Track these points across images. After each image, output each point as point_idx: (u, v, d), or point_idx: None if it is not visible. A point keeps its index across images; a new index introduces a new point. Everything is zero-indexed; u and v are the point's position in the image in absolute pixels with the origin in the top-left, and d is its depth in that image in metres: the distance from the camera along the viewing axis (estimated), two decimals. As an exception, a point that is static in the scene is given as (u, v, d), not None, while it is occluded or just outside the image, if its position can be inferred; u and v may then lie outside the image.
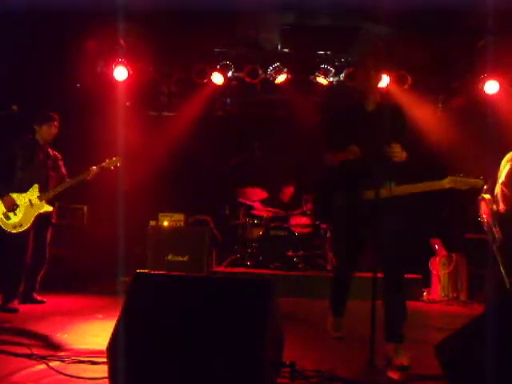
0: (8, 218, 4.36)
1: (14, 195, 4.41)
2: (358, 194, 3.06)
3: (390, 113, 3.10)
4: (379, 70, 3.17)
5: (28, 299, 4.54)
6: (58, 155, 4.88)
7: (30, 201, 4.43)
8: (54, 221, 4.79)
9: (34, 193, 4.47)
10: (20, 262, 4.37)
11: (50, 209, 4.56)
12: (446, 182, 3.02)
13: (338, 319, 3.36)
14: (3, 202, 4.37)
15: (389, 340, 2.90)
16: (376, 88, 3.17)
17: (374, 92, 3.14)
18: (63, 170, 4.87)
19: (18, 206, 4.38)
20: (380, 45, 3.15)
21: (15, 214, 4.37)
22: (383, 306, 2.96)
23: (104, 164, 4.67)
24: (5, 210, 4.35)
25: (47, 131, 4.63)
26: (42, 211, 4.47)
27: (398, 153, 2.98)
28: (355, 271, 3.34)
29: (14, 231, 4.33)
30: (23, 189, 4.45)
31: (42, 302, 4.66)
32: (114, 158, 4.71)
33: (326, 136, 3.42)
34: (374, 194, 2.82)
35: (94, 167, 4.63)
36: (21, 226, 4.35)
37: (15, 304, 4.26)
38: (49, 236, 4.72)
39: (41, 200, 4.48)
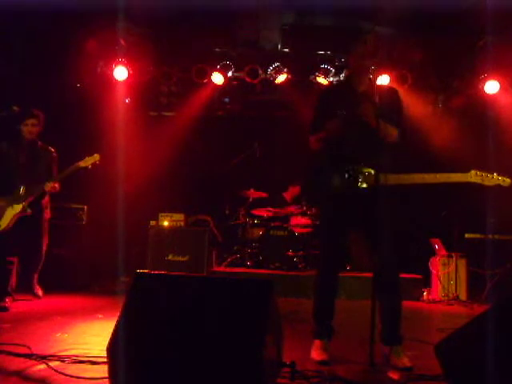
0: None
1: (1, 199, 4.48)
2: (349, 180, 2.87)
3: (384, 95, 2.95)
4: (376, 51, 2.96)
5: (27, 291, 4.75)
6: (51, 150, 4.82)
7: (12, 203, 4.48)
8: (45, 218, 4.80)
9: (17, 194, 4.51)
10: (7, 262, 4.48)
11: (28, 212, 4.52)
12: (470, 176, 2.90)
13: (326, 342, 2.96)
14: None
15: (389, 343, 2.87)
16: (369, 69, 2.97)
17: (367, 72, 2.97)
18: (53, 168, 4.80)
19: (1, 209, 4.45)
20: (377, 36, 3.01)
21: None
22: (379, 308, 2.92)
23: (81, 163, 4.56)
24: None
25: (26, 129, 4.59)
26: (18, 213, 4.48)
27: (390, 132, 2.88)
28: (341, 267, 3.14)
29: None
30: (8, 191, 4.51)
31: (37, 296, 4.80)
32: (94, 155, 4.60)
33: (312, 116, 3.18)
34: (374, 179, 2.71)
35: (49, 182, 4.55)
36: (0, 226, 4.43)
37: (7, 303, 4.33)
38: (43, 233, 4.75)
39: (20, 202, 4.49)
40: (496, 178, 2.92)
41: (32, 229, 4.67)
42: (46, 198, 4.82)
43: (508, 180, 2.93)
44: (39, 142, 4.78)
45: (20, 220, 4.50)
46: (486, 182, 2.92)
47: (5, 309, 4.24)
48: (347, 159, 2.94)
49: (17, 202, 4.49)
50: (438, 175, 2.91)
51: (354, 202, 2.90)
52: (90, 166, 4.58)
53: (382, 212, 2.87)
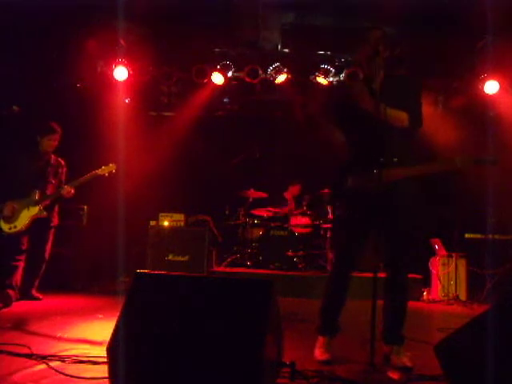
0: (5, 220, 4.55)
1: (14, 201, 4.60)
2: (370, 175, 2.83)
3: (399, 83, 2.96)
4: (385, 48, 2.89)
5: (26, 295, 4.78)
6: (62, 162, 5.04)
7: (27, 205, 4.62)
8: (54, 224, 4.96)
9: (32, 198, 4.65)
10: (15, 260, 4.59)
11: (44, 214, 4.70)
12: (458, 161, 2.79)
13: (329, 339, 3.00)
14: (3, 208, 4.57)
15: (390, 342, 2.88)
16: (381, 68, 2.94)
17: (378, 70, 2.93)
18: (63, 177, 5.02)
19: (16, 211, 4.58)
20: (381, 32, 2.97)
21: (12, 215, 4.56)
22: (385, 306, 2.93)
23: (98, 171, 4.81)
24: (4, 215, 4.56)
25: (48, 143, 4.83)
26: (35, 215, 4.64)
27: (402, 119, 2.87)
28: (355, 267, 3.16)
29: (8, 232, 4.54)
30: (23, 194, 4.64)
31: (38, 298, 4.85)
32: (110, 165, 4.87)
33: (333, 116, 3.13)
34: (379, 178, 2.69)
35: (66, 186, 4.75)
36: (15, 227, 4.56)
37: (11, 293, 4.46)
38: (49, 238, 4.92)
39: (36, 205, 4.66)
40: (483, 157, 2.82)
41: (40, 232, 4.79)
42: (56, 205, 4.96)
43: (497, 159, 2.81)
44: (52, 155, 4.95)
45: (33, 222, 4.63)
46: (479, 162, 2.82)
47: (8, 295, 4.38)
48: (364, 159, 2.92)
49: (33, 205, 4.63)
50: (429, 164, 2.93)
51: (371, 201, 2.86)
52: (106, 175, 4.83)
53: (398, 212, 2.88)
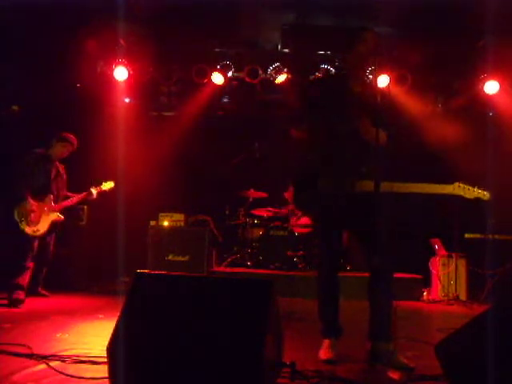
0: (29, 222, 4.61)
1: (33, 202, 4.67)
2: (347, 182, 2.89)
3: (377, 96, 2.94)
4: (376, 48, 2.93)
5: (33, 293, 4.89)
6: (62, 168, 5.12)
7: (46, 209, 4.75)
8: (59, 225, 5.07)
9: (49, 202, 4.79)
10: (29, 260, 4.64)
11: (62, 218, 4.89)
12: (454, 188, 2.93)
13: (334, 341, 3.00)
14: (24, 205, 4.60)
15: (378, 340, 2.84)
16: (367, 68, 3.01)
17: (364, 71, 3.00)
18: (65, 183, 5.12)
19: (35, 211, 4.65)
20: (376, 33, 3.01)
21: (35, 219, 4.65)
22: (371, 305, 2.91)
23: (102, 187, 5.11)
24: (26, 213, 4.61)
25: (60, 150, 4.94)
26: (55, 219, 4.83)
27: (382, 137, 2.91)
28: (341, 266, 3.14)
29: (32, 234, 4.64)
30: (40, 198, 4.74)
31: (45, 295, 5.01)
32: (108, 182, 5.17)
33: (303, 105, 3.20)
34: (374, 187, 2.68)
35: (94, 190, 5.04)
36: (38, 230, 4.68)
37: (21, 295, 4.48)
38: (53, 239, 5.05)
39: (54, 210, 4.82)
40: (476, 192, 2.94)
41: (50, 234, 4.92)
42: None
43: (488, 194, 2.96)
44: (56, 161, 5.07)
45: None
46: (468, 195, 2.95)
47: (18, 301, 4.39)
48: (341, 162, 2.95)
49: (52, 210, 4.79)
50: (425, 185, 2.95)
51: (347, 203, 2.90)
52: (107, 190, 5.17)
53: (376, 214, 2.85)
